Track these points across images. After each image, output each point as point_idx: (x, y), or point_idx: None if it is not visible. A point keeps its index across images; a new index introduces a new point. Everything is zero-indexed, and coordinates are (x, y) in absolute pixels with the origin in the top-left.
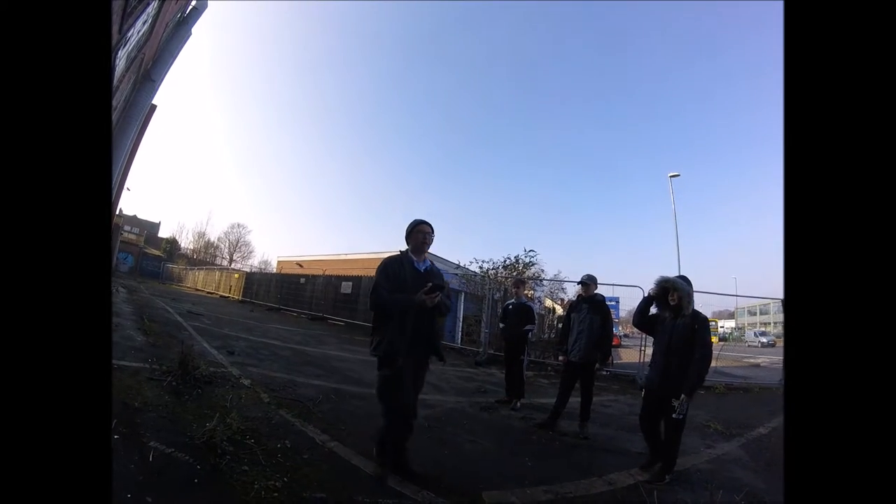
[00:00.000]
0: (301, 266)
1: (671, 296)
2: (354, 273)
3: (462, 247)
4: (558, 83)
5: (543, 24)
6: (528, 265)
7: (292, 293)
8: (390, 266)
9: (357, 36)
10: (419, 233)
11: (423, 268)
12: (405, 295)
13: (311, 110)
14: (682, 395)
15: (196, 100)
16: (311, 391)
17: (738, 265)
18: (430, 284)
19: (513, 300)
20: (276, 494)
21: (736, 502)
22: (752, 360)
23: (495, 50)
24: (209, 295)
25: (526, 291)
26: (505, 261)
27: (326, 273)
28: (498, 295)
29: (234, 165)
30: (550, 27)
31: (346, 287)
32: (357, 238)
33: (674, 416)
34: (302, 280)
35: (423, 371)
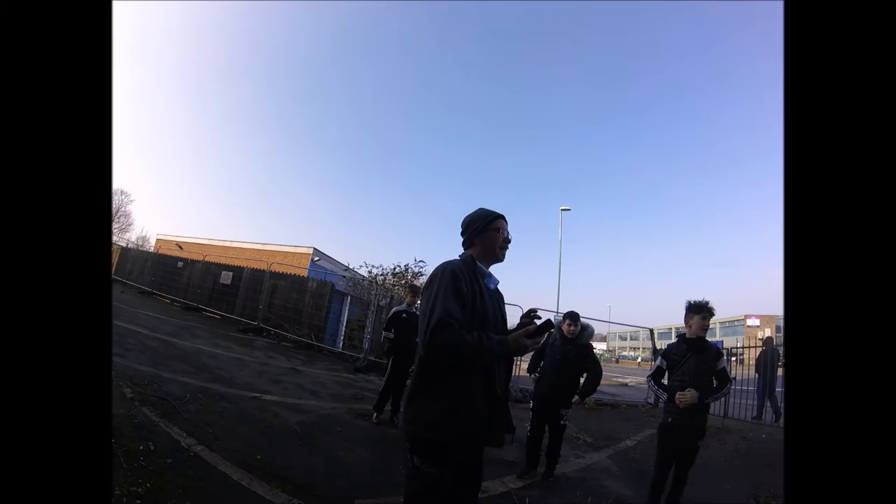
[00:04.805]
0: (181, 248)
1: (569, 328)
2: (236, 263)
3: (354, 248)
4: (476, 101)
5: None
6: (416, 275)
7: (168, 277)
8: (461, 282)
9: (275, 17)
10: (497, 230)
11: (493, 286)
12: (499, 337)
13: (216, 80)
14: (576, 397)
15: None
16: (178, 389)
17: (613, 294)
18: (538, 319)
19: (404, 307)
20: (138, 501)
21: None
22: (620, 380)
23: (410, 52)
24: None
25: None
26: (395, 268)
27: (207, 259)
28: (384, 301)
29: (124, 122)
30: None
31: (226, 277)
32: (243, 225)
33: (562, 422)
34: (180, 264)
35: (481, 468)
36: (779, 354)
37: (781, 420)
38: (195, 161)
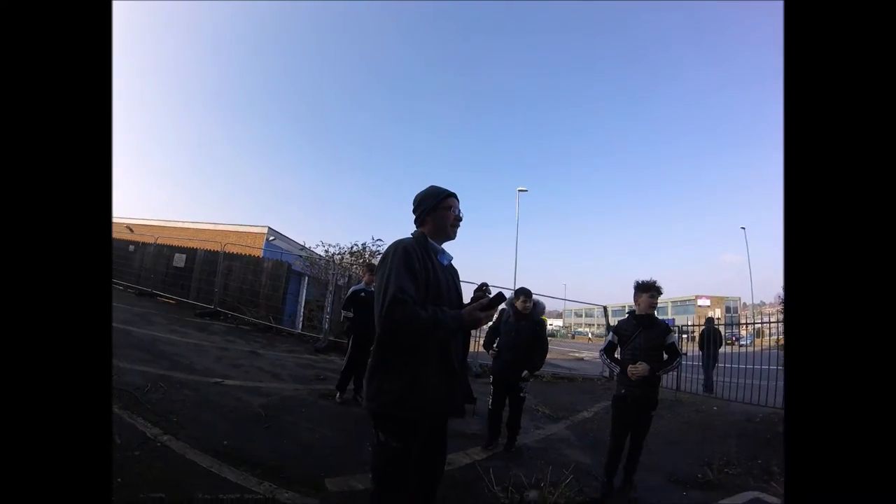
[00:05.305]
0: (132, 230)
1: (523, 304)
2: (189, 245)
3: (310, 229)
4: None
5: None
6: (374, 253)
7: (120, 262)
8: (414, 258)
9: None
10: (448, 209)
11: (447, 262)
12: (453, 311)
13: (154, 50)
14: (525, 373)
15: None
16: (137, 378)
17: (569, 273)
18: (489, 293)
19: (362, 286)
20: (111, 497)
21: (565, 476)
22: (576, 354)
23: (371, 49)
24: None
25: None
26: (352, 247)
27: (159, 241)
28: (342, 281)
29: None
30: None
31: (180, 260)
32: (195, 204)
33: (521, 394)
34: (131, 248)
35: (445, 441)
36: (720, 334)
37: (713, 391)
38: (141, 139)
